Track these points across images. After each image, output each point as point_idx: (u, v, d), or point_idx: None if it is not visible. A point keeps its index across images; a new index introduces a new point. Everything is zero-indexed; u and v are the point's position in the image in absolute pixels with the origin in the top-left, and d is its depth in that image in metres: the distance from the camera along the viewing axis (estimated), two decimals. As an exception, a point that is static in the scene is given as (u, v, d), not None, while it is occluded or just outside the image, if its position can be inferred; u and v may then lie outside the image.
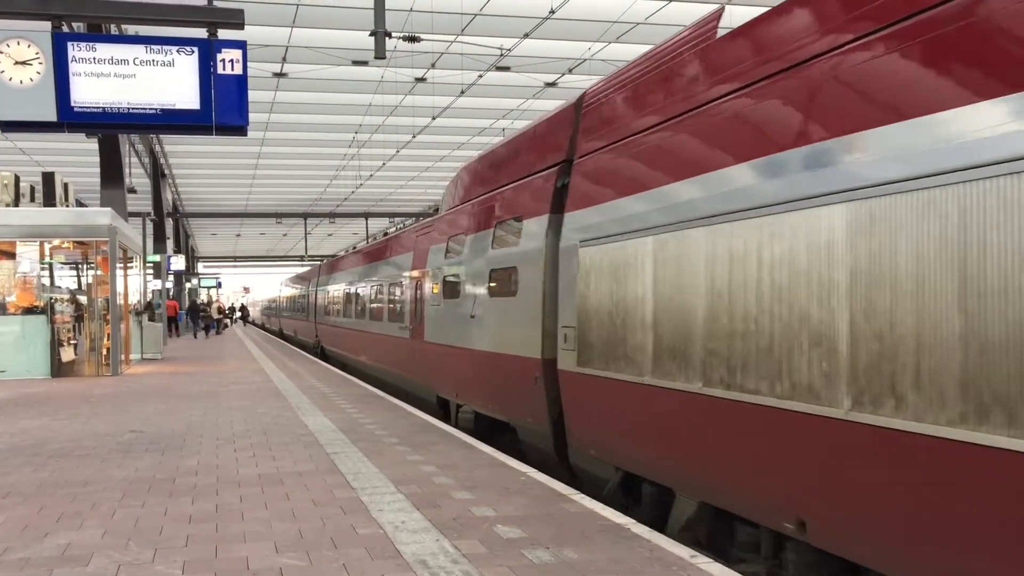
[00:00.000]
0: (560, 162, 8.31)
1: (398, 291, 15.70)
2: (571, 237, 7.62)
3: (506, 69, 22.84)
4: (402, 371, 15.20)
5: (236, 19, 10.22)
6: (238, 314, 66.11)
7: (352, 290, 21.90)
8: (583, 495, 6.39)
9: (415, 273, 14.06)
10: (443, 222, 12.59)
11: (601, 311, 6.96)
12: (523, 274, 8.76)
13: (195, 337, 38.86)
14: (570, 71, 23.04)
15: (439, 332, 12.15)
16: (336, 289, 24.97)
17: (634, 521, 5.64)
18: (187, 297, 51.47)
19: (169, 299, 39.06)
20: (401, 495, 6.39)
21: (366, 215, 49.89)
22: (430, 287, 12.74)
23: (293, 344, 34.89)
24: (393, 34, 15.13)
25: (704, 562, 4.76)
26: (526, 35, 19.61)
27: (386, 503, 6.14)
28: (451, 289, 11.58)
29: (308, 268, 40.64)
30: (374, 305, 18.36)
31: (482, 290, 10.11)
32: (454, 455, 8.08)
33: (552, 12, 17.66)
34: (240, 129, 10.21)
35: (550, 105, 27.32)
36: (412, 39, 15.98)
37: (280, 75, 23.44)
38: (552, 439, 8.17)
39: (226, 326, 50.68)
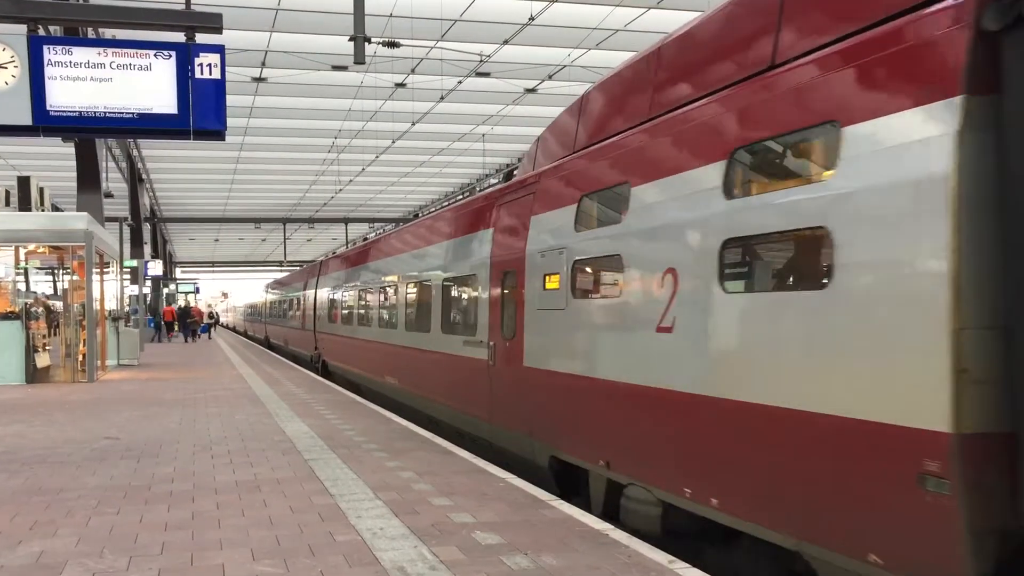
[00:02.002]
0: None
1: (461, 288, 10.79)
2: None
3: (486, 75, 22.87)
4: (469, 408, 10.09)
5: (214, 23, 10.18)
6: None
7: (375, 289, 16.16)
8: (562, 501, 6.39)
9: (500, 256, 9.16)
10: (561, 174, 7.86)
11: None
12: (860, 243, 4.19)
13: (186, 341, 38.81)
14: (550, 77, 23.09)
15: (562, 354, 7.48)
16: (348, 289, 19.20)
17: (612, 527, 5.65)
18: (164, 302, 51.11)
19: (167, 306, 43.26)
20: (380, 502, 6.36)
21: (345, 220, 49.77)
22: (536, 280, 8.09)
23: (284, 356, 30.32)
24: (373, 39, 15.10)
25: (682, 567, 4.77)
26: (506, 41, 19.65)
27: (364, 510, 6.11)
28: (594, 281, 7.24)
29: (302, 267, 34.81)
30: (413, 309, 13.11)
31: (693, 280, 5.50)
32: (433, 461, 8.05)
33: (532, 18, 17.69)
34: (218, 134, 10.16)
35: (530, 111, 27.41)
36: (391, 44, 15.96)
37: (259, 80, 23.35)
38: None
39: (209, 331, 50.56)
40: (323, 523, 5.75)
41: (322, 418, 11.34)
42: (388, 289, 15.06)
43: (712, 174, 5.37)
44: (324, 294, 22.84)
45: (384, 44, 15.54)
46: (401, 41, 16.64)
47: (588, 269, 7.21)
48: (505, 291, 8.90)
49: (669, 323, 5.70)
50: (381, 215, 52.05)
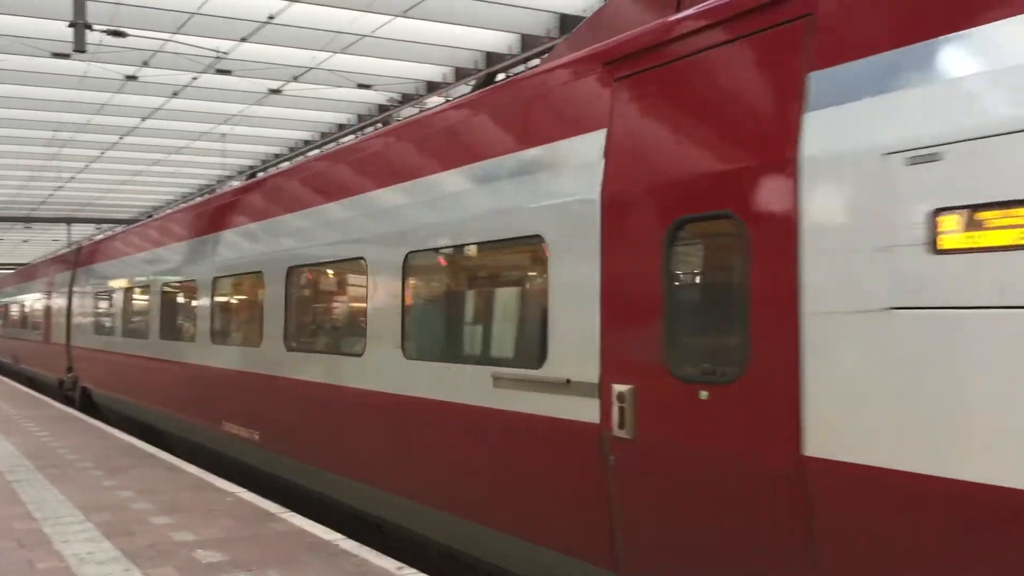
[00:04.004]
0: None
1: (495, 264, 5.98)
2: None
3: (227, 73, 21.96)
4: (519, 529, 5.11)
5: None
6: None
7: (231, 272, 9.42)
8: (293, 513, 6.23)
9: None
10: None
11: None
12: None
13: None
14: (295, 79, 22.58)
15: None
16: (152, 281, 12.23)
17: (343, 537, 5.57)
18: None
19: None
20: (91, 524, 5.88)
21: (68, 220, 45.96)
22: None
23: (6, 375, 23.94)
24: (96, 27, 14.02)
25: (411, 573, 4.79)
26: (243, 39, 19.00)
27: (72, 533, 5.62)
28: None
29: (45, 259, 26.29)
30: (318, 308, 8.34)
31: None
32: (155, 478, 7.57)
33: (271, 17, 17.22)
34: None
35: (275, 112, 26.69)
36: (118, 34, 14.90)
37: (-35, 62, 21.02)
38: None
39: None
40: (22, 550, 5.23)
41: (30, 435, 10.34)
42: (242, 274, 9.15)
43: None
44: (90, 292, 16.31)
45: (109, 33, 14.48)
46: (129, 31, 15.59)
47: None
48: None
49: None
50: (112, 216, 48.55)
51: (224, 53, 20.20)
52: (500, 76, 6.55)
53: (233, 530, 5.72)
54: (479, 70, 20.14)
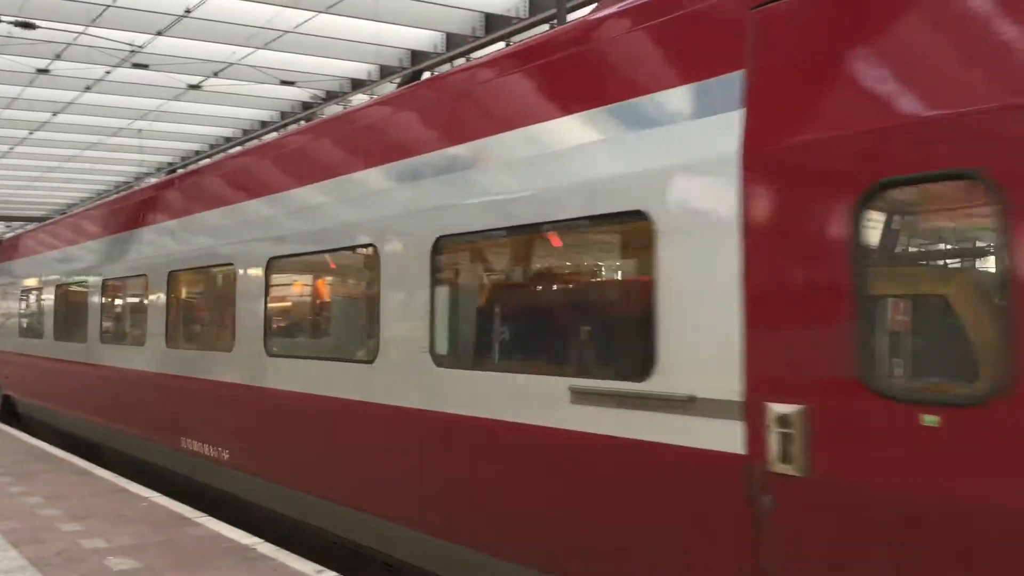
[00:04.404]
0: None
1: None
2: None
3: (144, 67, 21.40)
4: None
5: None
6: None
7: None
8: (209, 518, 6.11)
9: None
10: None
11: None
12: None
13: None
14: (215, 75, 22.13)
15: None
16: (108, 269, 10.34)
17: (261, 541, 5.48)
18: None
19: None
20: (-5, 533, 5.68)
21: (-25, 218, 44.27)
22: None
23: None
24: (4, 18, 13.52)
25: (330, 575, 4.74)
26: (159, 33, 18.55)
27: (-25, 543, 5.42)
28: None
29: None
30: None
31: None
32: (66, 483, 7.35)
33: (188, 11, 16.85)
34: None
35: (195, 108, 26.13)
36: (27, 25, 14.40)
37: None
38: None
39: None
40: (-80, 562, 5.02)
41: (-66, 442, 9.94)
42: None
43: None
44: (21, 283, 14.33)
45: (18, 25, 13.99)
46: (40, 23, 15.06)
47: None
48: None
49: None
50: (23, 213, 46.90)
51: (139, 47, 19.71)
52: (426, 75, 6.45)
53: (146, 536, 5.58)
54: (404, 68, 20.03)
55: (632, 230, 3.99)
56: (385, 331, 5.21)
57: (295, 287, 7.03)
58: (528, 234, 4.50)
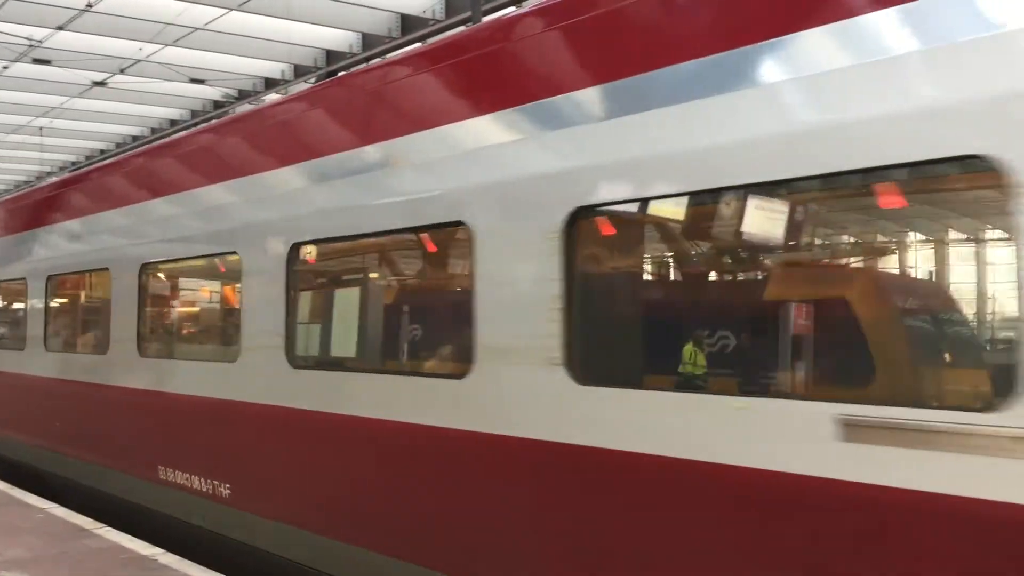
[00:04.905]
0: None
1: None
2: None
3: (46, 62, 20.65)
4: None
5: None
6: None
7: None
8: (109, 528, 5.90)
9: None
10: None
11: None
12: None
13: None
14: (122, 71, 21.49)
15: None
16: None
17: (163, 551, 5.32)
18: None
19: None
20: None
21: None
22: None
23: None
24: None
25: (233, 585, 4.62)
26: (60, 27, 17.92)
27: None
28: None
29: None
30: None
31: None
32: (-44, 496, 7.02)
33: (90, 5, 16.34)
34: None
35: (100, 106, 25.31)
36: (-83, 17, 13.74)
37: None
38: None
39: None
40: None
41: None
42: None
43: None
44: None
45: (-94, 16, 13.29)
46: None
47: None
48: None
49: None
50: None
51: (39, 41, 19.03)
52: (341, 74, 6.67)
53: (41, 548, 5.37)
54: (319, 68, 19.77)
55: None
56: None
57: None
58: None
